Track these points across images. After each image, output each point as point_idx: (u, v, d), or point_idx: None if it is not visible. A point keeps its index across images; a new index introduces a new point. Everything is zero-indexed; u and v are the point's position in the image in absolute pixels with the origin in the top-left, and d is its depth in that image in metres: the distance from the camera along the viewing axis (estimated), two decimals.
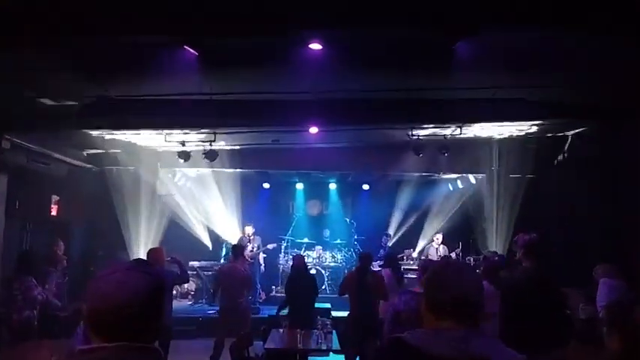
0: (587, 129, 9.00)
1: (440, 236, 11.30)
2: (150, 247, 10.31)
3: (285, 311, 7.47)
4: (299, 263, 7.71)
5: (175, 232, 11.66)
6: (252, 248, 11.06)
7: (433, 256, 10.87)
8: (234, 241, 11.22)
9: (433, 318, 1.67)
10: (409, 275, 10.11)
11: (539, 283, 4.10)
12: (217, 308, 7.99)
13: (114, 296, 1.34)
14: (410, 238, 12.64)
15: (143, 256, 8.90)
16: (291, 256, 11.99)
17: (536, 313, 3.91)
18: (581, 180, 9.13)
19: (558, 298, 4.18)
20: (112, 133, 9.40)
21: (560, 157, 10.01)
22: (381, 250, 11.44)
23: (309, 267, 10.86)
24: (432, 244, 11.40)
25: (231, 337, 6.24)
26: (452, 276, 1.69)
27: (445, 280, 1.69)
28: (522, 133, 9.49)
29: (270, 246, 11.59)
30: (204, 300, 11.37)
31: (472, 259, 10.61)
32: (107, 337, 1.33)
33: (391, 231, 12.93)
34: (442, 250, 11.11)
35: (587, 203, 8.87)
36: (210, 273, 11.36)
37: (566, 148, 9.75)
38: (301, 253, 11.71)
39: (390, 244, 12.23)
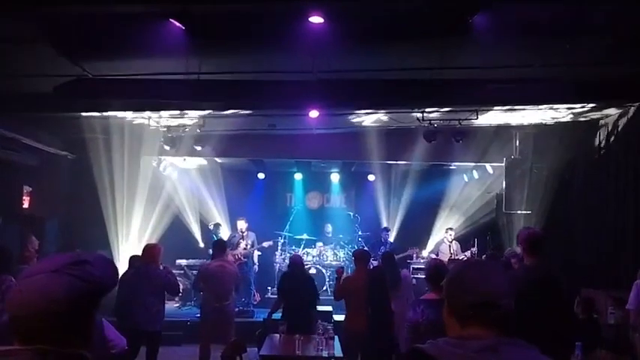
0: (624, 113, 8.86)
1: (452, 232, 11.27)
2: (135, 243, 10.33)
3: (278, 314, 7.46)
4: (298, 261, 7.71)
5: (164, 226, 11.63)
6: (246, 245, 10.98)
7: (446, 253, 10.83)
8: (225, 238, 11.20)
9: (457, 325, 1.62)
10: (418, 275, 10.10)
11: (542, 281, 4.08)
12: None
13: (31, 304, 1.33)
14: (420, 234, 12.62)
15: (128, 253, 8.90)
16: (288, 254, 11.97)
17: (536, 314, 3.88)
18: (615, 172, 9.01)
19: (563, 296, 4.18)
20: (90, 117, 9.34)
21: (592, 144, 9.86)
22: (382, 247, 11.40)
23: (308, 266, 10.91)
24: (443, 240, 11.39)
25: (217, 344, 6.23)
26: (473, 275, 1.63)
27: (466, 280, 1.63)
28: (553, 121, 9.34)
29: (265, 244, 11.49)
30: (192, 302, 11.37)
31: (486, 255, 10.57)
32: (27, 343, 1.34)
33: (395, 225, 12.92)
34: (455, 246, 11.08)
35: (622, 197, 8.78)
36: None
37: (599, 134, 9.60)
38: (300, 250, 11.72)
39: (391, 239, 12.18)
